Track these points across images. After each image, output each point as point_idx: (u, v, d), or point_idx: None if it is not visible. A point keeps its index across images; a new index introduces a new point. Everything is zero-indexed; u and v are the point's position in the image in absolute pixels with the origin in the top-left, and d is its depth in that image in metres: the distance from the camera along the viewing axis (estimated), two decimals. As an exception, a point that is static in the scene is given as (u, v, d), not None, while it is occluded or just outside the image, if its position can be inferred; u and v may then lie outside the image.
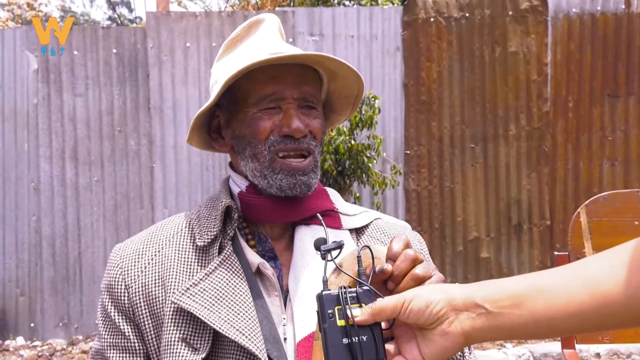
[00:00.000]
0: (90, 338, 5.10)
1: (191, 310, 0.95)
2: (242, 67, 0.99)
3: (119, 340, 1.04)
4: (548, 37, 5.43)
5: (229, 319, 0.95)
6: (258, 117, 1.04)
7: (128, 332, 1.03)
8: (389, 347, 0.78)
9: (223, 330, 0.94)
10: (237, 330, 0.94)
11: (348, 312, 0.76)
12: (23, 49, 5.15)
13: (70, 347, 4.95)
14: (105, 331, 1.06)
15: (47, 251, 5.15)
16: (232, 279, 1.00)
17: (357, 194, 4.87)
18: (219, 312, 0.96)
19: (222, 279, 0.99)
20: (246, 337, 0.94)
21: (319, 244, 0.84)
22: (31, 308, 5.14)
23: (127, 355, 1.03)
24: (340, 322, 0.76)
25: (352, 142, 4.50)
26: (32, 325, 5.13)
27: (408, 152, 5.38)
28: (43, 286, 5.14)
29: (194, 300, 0.97)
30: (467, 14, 5.39)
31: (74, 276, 5.16)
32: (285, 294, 1.04)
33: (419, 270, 0.83)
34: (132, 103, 5.22)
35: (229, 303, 0.97)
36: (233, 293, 0.98)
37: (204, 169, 5.25)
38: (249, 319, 0.96)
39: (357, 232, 1.14)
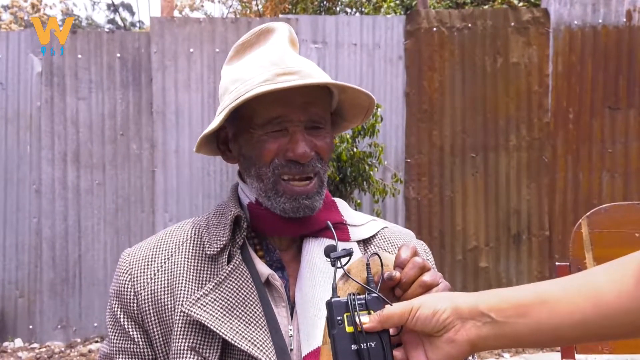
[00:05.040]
0: (88, 341, 5.10)
1: (203, 321, 0.96)
2: (247, 97, 0.99)
3: (128, 346, 1.04)
4: (549, 49, 5.46)
5: (240, 329, 0.97)
6: (264, 140, 1.03)
7: (137, 337, 1.04)
8: (397, 353, 0.80)
9: (235, 341, 0.95)
10: (249, 341, 0.96)
11: (357, 319, 0.77)
12: (27, 51, 5.18)
13: (68, 349, 4.95)
14: (114, 336, 1.07)
15: (47, 253, 5.16)
16: (242, 289, 1.01)
17: (358, 201, 4.89)
18: (230, 323, 0.97)
19: (232, 289, 1.00)
20: (258, 348, 0.95)
21: (328, 251, 0.86)
22: (30, 310, 5.14)
23: None
24: (349, 329, 0.77)
25: (354, 149, 4.52)
26: (30, 327, 5.13)
27: (409, 160, 5.40)
28: (42, 288, 5.14)
29: (205, 311, 0.98)
30: (469, 25, 5.43)
31: (73, 279, 5.17)
32: (291, 305, 1.05)
33: (426, 277, 0.84)
34: (135, 107, 5.25)
35: (240, 313, 0.98)
36: (243, 303, 1.00)
37: (205, 174, 5.26)
38: (260, 329, 0.98)
39: (365, 242, 1.14)
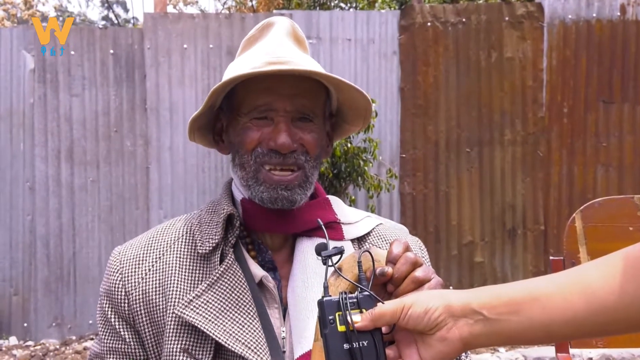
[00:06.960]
0: (83, 338, 5.09)
1: (196, 324, 0.95)
2: (229, 78, 0.99)
3: (119, 345, 1.03)
4: (544, 43, 5.46)
5: (234, 332, 0.95)
6: (248, 127, 1.03)
7: (128, 337, 1.03)
8: (390, 351, 0.79)
9: (228, 344, 0.94)
10: (243, 343, 0.94)
11: (348, 318, 0.77)
12: (20, 48, 5.14)
13: (63, 347, 4.93)
14: (105, 335, 1.05)
15: (42, 251, 5.13)
16: (235, 290, 0.99)
17: (353, 197, 4.88)
18: (224, 325, 0.96)
19: (225, 290, 0.99)
20: (252, 350, 0.94)
21: (319, 249, 0.85)
22: (24, 308, 5.12)
23: None
24: (341, 328, 0.77)
25: (349, 145, 4.51)
26: (25, 325, 5.11)
27: (404, 155, 5.40)
28: (37, 286, 5.12)
29: (198, 313, 0.96)
30: (463, 19, 5.42)
31: (67, 276, 5.15)
32: (284, 307, 1.04)
33: (418, 273, 0.84)
34: (129, 104, 5.22)
35: (234, 315, 0.97)
36: (237, 305, 0.98)
37: (200, 171, 5.24)
38: (254, 331, 0.96)
39: (359, 240, 1.13)
